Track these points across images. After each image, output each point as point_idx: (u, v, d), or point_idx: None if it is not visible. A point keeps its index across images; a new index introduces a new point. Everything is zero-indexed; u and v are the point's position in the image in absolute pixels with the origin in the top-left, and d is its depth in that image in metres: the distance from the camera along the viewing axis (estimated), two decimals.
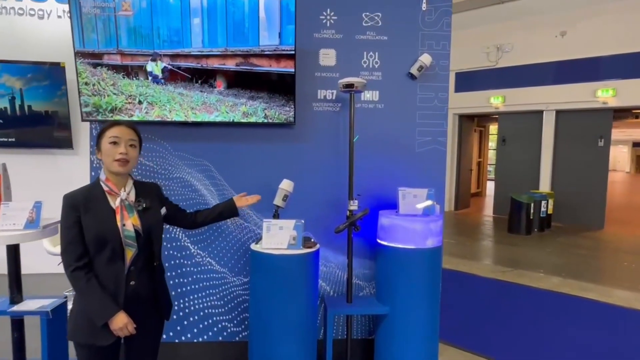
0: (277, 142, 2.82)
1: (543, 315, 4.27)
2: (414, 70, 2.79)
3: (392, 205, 2.81)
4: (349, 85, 2.45)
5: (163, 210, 1.97)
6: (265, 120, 2.56)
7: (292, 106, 2.63)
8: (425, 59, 2.77)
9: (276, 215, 2.42)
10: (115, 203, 1.79)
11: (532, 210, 8.31)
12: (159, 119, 2.60)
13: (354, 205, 2.51)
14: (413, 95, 2.87)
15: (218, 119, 2.53)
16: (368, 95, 2.84)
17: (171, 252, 2.78)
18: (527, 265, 6.16)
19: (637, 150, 31.23)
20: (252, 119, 2.40)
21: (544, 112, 9.67)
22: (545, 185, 9.71)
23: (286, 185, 2.44)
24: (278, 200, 2.41)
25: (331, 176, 2.85)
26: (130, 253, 1.77)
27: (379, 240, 2.60)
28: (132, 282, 1.79)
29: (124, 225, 1.77)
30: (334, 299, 2.74)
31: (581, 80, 9.05)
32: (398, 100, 2.86)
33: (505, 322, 4.05)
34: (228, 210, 2.21)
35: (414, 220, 2.41)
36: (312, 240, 2.39)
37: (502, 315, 4.22)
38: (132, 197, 1.86)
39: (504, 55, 10.06)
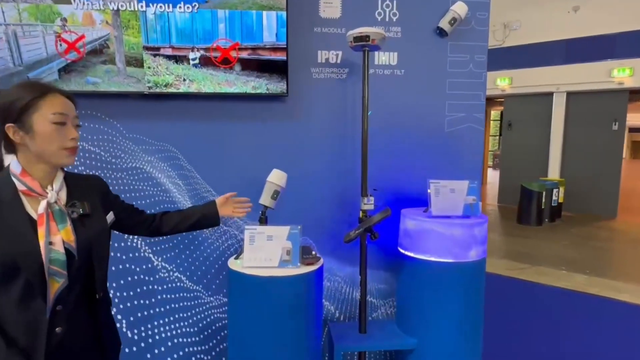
0: (266, 120, 2.14)
1: (574, 320, 3.69)
2: (444, 24, 2.12)
3: (416, 202, 2.16)
4: (362, 38, 1.77)
5: (110, 217, 1.33)
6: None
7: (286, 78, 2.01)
8: (460, 8, 2.10)
9: (263, 219, 1.76)
10: (37, 209, 1.14)
11: (543, 199, 7.73)
12: (175, 90, 1.96)
13: (368, 204, 1.86)
14: (442, 57, 2.20)
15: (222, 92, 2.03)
16: (384, 57, 2.17)
17: (127, 265, 2.11)
18: (545, 260, 5.59)
19: (633, 135, 30.89)
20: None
21: (554, 94, 9.05)
22: (554, 172, 9.14)
23: (276, 177, 1.80)
24: (266, 199, 1.76)
25: (336, 164, 2.19)
26: (56, 286, 1.13)
27: (401, 250, 1.95)
28: (59, 329, 1.15)
29: (50, 243, 1.12)
30: (342, 327, 2.09)
31: (595, 59, 8.43)
32: (423, 65, 2.19)
33: (531, 328, 3.45)
34: (206, 218, 1.61)
35: (452, 224, 1.76)
36: (314, 252, 1.73)
37: (526, 320, 3.62)
38: (64, 198, 1.21)
39: (511, 34, 9.38)
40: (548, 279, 4.87)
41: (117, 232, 1.48)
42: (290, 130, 2.17)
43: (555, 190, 8.03)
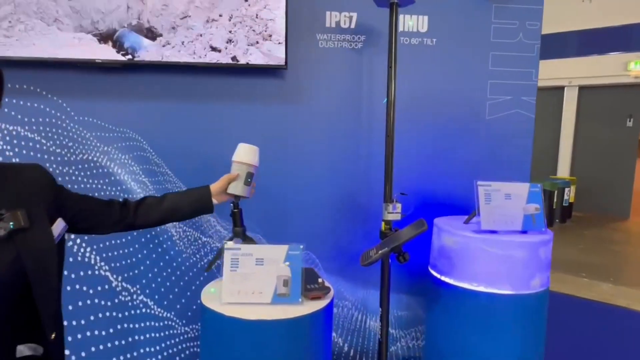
0: (257, 102, 1.66)
1: (603, 337, 3.24)
2: None
3: (448, 209, 1.70)
4: None
5: (59, 227, 0.89)
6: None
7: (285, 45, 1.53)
8: None
9: (237, 215, 1.25)
10: None
11: (554, 199, 7.30)
12: (52, 57, 1.44)
13: (394, 213, 1.39)
14: (484, 24, 1.73)
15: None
16: (410, 22, 1.69)
17: (78, 286, 1.63)
18: (563, 266, 5.15)
19: None
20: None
21: (566, 88, 8.59)
22: (564, 171, 8.71)
23: (245, 154, 1.24)
24: (237, 186, 1.22)
25: (346, 161, 1.72)
26: None
27: (433, 272, 1.48)
28: None
29: None
30: None
31: (610, 51, 7.96)
32: (460, 33, 1.72)
33: (555, 345, 3.00)
34: (198, 212, 1.21)
35: (510, 243, 1.30)
36: (321, 280, 1.25)
37: (552, 337, 3.17)
38: None
39: None
40: (570, 287, 4.42)
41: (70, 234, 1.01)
42: (289, 115, 1.69)
43: (567, 190, 7.60)
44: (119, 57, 1.50)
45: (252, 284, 1.15)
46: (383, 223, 1.42)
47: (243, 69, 1.60)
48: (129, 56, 1.50)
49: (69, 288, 1.62)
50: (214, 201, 1.18)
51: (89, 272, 1.64)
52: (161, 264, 1.69)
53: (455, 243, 1.37)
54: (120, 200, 1.09)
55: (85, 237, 1.62)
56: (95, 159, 1.62)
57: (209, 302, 1.15)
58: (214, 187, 1.18)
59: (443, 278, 1.42)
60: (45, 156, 1.58)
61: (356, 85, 1.70)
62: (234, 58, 1.53)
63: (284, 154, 1.69)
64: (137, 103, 1.61)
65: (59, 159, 1.60)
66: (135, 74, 1.60)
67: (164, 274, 1.69)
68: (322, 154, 1.72)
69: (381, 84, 1.70)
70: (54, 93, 1.57)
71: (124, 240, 1.66)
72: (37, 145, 1.58)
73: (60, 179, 1.60)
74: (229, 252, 1.16)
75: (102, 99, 1.60)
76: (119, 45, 1.49)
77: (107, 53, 1.49)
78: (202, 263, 1.71)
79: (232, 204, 1.25)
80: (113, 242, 1.65)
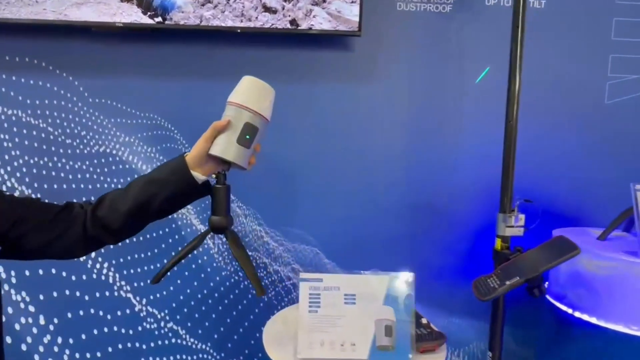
0: (320, 82, 1.31)
1: None
2: None
3: (557, 218, 1.33)
4: None
5: None
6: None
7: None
8: None
9: (218, 203, 0.83)
10: None
11: None
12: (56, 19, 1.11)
13: (515, 227, 1.02)
14: None
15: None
16: None
17: (93, 311, 1.31)
18: None
19: None
20: None
21: None
22: None
23: (247, 90, 0.81)
24: (225, 144, 0.78)
25: (426, 154, 1.36)
26: None
27: (560, 304, 1.12)
28: None
29: None
30: None
31: None
32: None
33: None
34: (176, 176, 0.78)
35: None
36: (425, 320, 0.90)
37: None
38: None
39: None
40: None
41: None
42: (358, 98, 1.33)
43: None
44: (146, 20, 1.16)
45: (340, 331, 0.80)
46: (498, 240, 1.06)
47: (303, 37, 1.25)
48: (158, 18, 1.16)
49: (81, 313, 1.30)
50: (197, 174, 0.76)
51: (107, 294, 1.31)
52: (195, 283, 1.35)
53: (601, 269, 1.01)
54: (83, 202, 0.80)
55: (102, 250, 1.29)
56: (114, 151, 1.28)
57: (277, 352, 0.80)
58: (193, 151, 0.77)
59: (581, 316, 1.05)
60: (53, 148, 1.25)
61: (442, 60, 1.33)
62: (292, 22, 1.18)
63: (348, 147, 1.34)
64: (167, 81, 1.27)
65: (69, 151, 1.27)
66: (166, 42, 1.25)
67: (199, 296, 1.36)
68: (396, 147, 1.36)
69: (474, 58, 1.34)
70: (62, 68, 1.24)
71: (149, 254, 1.32)
72: (43, 135, 1.25)
73: (70, 175, 1.27)
74: (305, 284, 0.81)
75: (123, 75, 1.26)
76: (145, 4, 1.15)
77: (130, 14, 1.15)
78: (246, 283, 1.37)
79: (215, 175, 0.81)
80: (136, 256, 1.32)
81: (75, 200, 0.80)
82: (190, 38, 1.26)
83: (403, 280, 0.81)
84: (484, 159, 1.36)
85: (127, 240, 1.26)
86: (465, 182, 1.38)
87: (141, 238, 1.32)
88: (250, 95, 0.79)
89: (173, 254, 1.32)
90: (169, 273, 0.87)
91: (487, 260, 1.35)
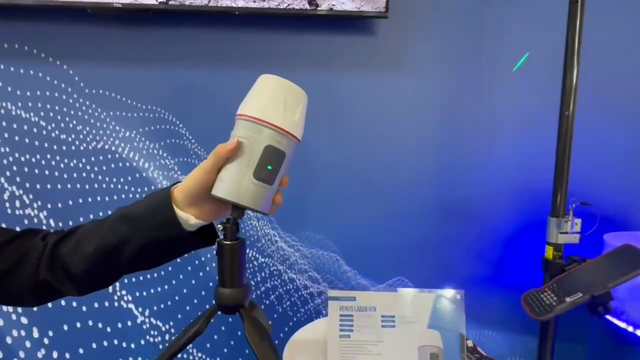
0: (339, 71, 1.18)
1: None
2: None
3: (614, 224, 1.20)
4: None
5: None
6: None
7: None
8: None
9: (230, 263, 0.60)
10: None
11: None
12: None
13: (571, 234, 0.89)
14: None
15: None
16: None
17: (92, 322, 1.19)
18: None
19: None
20: None
21: None
22: None
23: (267, 98, 0.57)
24: (234, 180, 0.55)
25: (464, 150, 1.23)
26: None
27: (618, 322, 0.99)
28: None
29: None
30: None
31: None
32: None
33: None
34: (154, 225, 0.57)
35: None
36: (471, 342, 0.77)
37: None
38: None
39: None
40: None
41: None
42: (382, 89, 1.20)
43: None
44: (148, 0, 1.03)
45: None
46: (549, 248, 0.92)
47: (323, 19, 1.12)
48: None
49: (78, 325, 1.18)
50: (188, 216, 0.56)
51: (106, 304, 1.19)
52: (203, 293, 1.23)
53: None
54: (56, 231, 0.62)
55: None
56: (113, 148, 1.16)
57: None
58: (186, 182, 0.57)
59: None
60: (46, 144, 1.13)
61: (476, 46, 1.20)
62: (311, 2, 1.05)
63: (372, 143, 1.21)
64: (172, 70, 1.15)
65: (64, 147, 1.15)
66: (170, 25, 1.13)
67: (207, 306, 1.23)
68: (425, 143, 1.23)
69: (510, 44, 1.20)
70: (55, 55, 1.12)
71: None
72: (34, 129, 1.13)
73: (65, 175, 1.15)
74: (335, 304, 0.69)
75: (123, 63, 1.14)
76: None
77: None
78: (260, 292, 1.24)
79: (221, 225, 0.59)
80: None
81: (44, 228, 0.65)
82: (197, 20, 1.13)
83: (451, 299, 0.68)
84: (520, 157, 1.23)
85: None
86: (499, 183, 1.25)
87: None
88: (272, 104, 0.55)
89: (179, 260, 1.20)
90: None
91: (524, 269, 1.22)
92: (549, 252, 0.92)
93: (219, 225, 0.60)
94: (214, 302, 0.63)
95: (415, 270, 1.26)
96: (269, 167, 0.54)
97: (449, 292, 0.68)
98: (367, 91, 1.20)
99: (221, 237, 0.59)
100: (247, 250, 1.23)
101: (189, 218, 0.56)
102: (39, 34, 1.10)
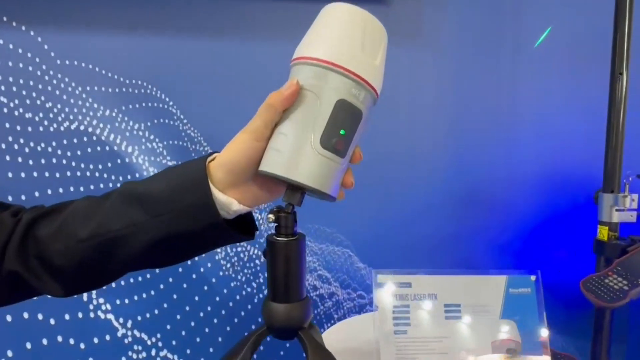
0: None
1: None
2: None
3: None
4: None
5: None
6: None
7: None
8: None
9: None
10: None
11: None
12: None
13: (626, 212, 0.79)
14: None
15: None
16: None
17: (61, 339, 1.00)
18: None
19: None
20: None
21: None
22: None
23: (339, 35, 0.42)
24: (302, 163, 0.40)
25: (486, 132, 1.13)
26: None
27: None
28: None
29: None
30: None
31: None
32: None
33: None
34: (180, 208, 0.41)
35: None
36: (544, 331, 0.64)
37: None
38: None
39: None
40: None
41: None
42: (398, 65, 1.09)
43: None
44: None
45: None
46: (603, 228, 0.82)
47: None
48: None
49: (45, 342, 0.98)
50: (229, 200, 0.42)
51: (79, 315, 1.00)
52: (196, 298, 1.06)
53: None
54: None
55: None
56: (90, 129, 0.99)
57: None
58: (225, 154, 0.43)
59: None
60: (7, 124, 0.95)
61: (496, 16, 1.11)
62: None
63: (385, 127, 1.09)
64: (160, 38, 1.00)
65: (29, 129, 0.97)
66: None
67: (201, 314, 1.06)
68: (443, 126, 1.12)
69: (534, 18, 1.12)
70: (21, 19, 0.95)
71: None
72: (0, 108, 0.95)
73: (31, 161, 0.96)
74: (385, 291, 0.55)
75: (100, 29, 0.98)
76: None
77: None
78: (262, 295, 1.08)
79: (273, 215, 0.44)
80: None
81: (21, 203, 0.49)
82: None
83: (525, 282, 0.56)
84: (546, 139, 1.14)
85: None
86: (525, 167, 1.15)
87: None
88: (346, 42, 0.41)
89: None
90: None
91: (550, 261, 1.12)
92: (603, 232, 0.81)
93: (270, 215, 0.43)
94: (262, 320, 0.47)
95: (435, 266, 1.13)
96: (342, 132, 0.40)
97: (520, 275, 0.56)
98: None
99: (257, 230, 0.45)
100: (247, 247, 1.07)
101: (231, 203, 0.41)
102: None
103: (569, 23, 1.06)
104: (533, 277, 0.55)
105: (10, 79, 0.95)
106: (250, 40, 1.01)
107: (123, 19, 0.98)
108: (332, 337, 0.68)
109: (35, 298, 0.95)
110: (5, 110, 0.95)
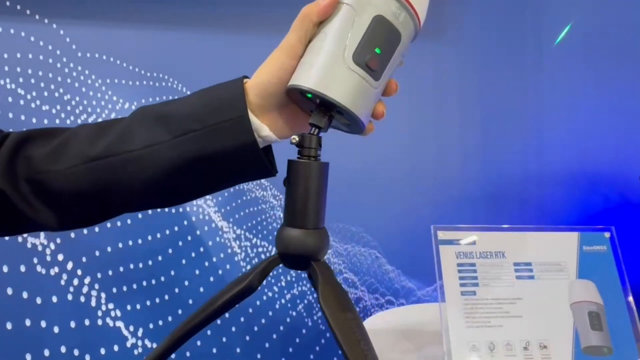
0: None
1: None
2: None
3: None
4: None
5: None
6: None
7: None
8: None
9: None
10: None
11: None
12: None
13: None
14: None
15: None
16: None
17: (65, 349, 0.90)
18: None
19: None
20: None
21: None
22: None
23: None
24: (333, 77, 0.37)
25: (513, 129, 1.11)
26: None
27: None
28: None
29: None
30: None
31: None
32: None
33: None
34: (213, 129, 0.37)
35: None
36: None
37: None
38: None
39: None
40: None
41: None
42: (424, 60, 1.08)
43: None
44: None
45: (516, 325, 0.47)
46: None
47: None
48: None
49: (47, 353, 0.89)
50: (263, 125, 0.39)
51: (87, 322, 0.92)
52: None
53: None
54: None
55: (84, 259, 0.92)
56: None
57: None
58: (257, 76, 0.40)
59: None
60: (23, 117, 0.92)
61: (519, 17, 1.12)
62: None
63: (412, 124, 1.06)
64: (181, 31, 0.99)
65: (45, 121, 0.94)
66: None
67: (218, 322, 0.98)
68: (470, 124, 1.10)
69: (556, 15, 1.13)
70: (43, 12, 0.94)
71: (150, 263, 0.96)
72: (10, 98, 0.92)
73: None
74: (449, 249, 0.50)
75: (123, 22, 0.97)
76: None
77: None
78: (285, 300, 1.01)
79: (296, 140, 0.38)
80: (132, 266, 0.95)
81: None
82: None
83: (599, 240, 0.50)
84: (573, 136, 1.11)
85: (118, 244, 0.93)
86: (554, 164, 1.11)
87: (139, 240, 0.96)
88: None
89: (184, 262, 0.97)
90: None
91: None
92: None
93: (293, 137, 0.39)
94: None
95: None
96: (377, 50, 0.38)
97: (594, 232, 0.50)
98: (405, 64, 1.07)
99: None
100: (269, 247, 1.01)
101: (262, 127, 0.39)
102: None
103: (595, 18, 1.06)
104: (607, 234, 0.50)
105: (29, 71, 0.93)
106: (269, 34, 1.00)
107: (143, 12, 0.98)
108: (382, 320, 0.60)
109: (38, 301, 0.88)
110: (21, 102, 0.92)
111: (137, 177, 0.38)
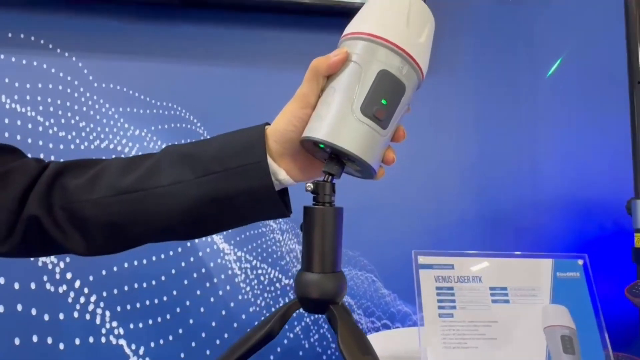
0: None
1: None
2: None
3: None
4: None
5: None
6: None
7: None
8: None
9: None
10: None
11: None
12: None
13: None
14: None
15: None
16: None
17: None
18: None
19: None
20: None
21: None
22: None
23: (386, 13, 0.44)
24: (343, 128, 0.40)
25: (508, 156, 1.14)
26: None
27: None
28: None
29: None
30: None
31: None
32: None
33: None
34: (232, 172, 0.41)
35: None
36: None
37: None
38: None
39: None
40: None
41: None
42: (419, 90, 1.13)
43: None
44: None
45: (491, 346, 0.49)
46: None
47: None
48: None
49: None
50: (279, 170, 0.43)
51: (91, 340, 0.96)
52: (213, 324, 1.01)
53: None
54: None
55: (91, 277, 0.96)
56: (119, 147, 1.02)
57: None
58: (277, 123, 0.44)
59: None
60: (41, 142, 0.98)
61: (511, 50, 1.17)
62: None
63: (410, 149, 1.10)
64: (189, 64, 1.06)
65: (61, 146, 1.00)
66: (190, 19, 1.06)
67: (217, 342, 1.00)
68: (465, 149, 1.13)
69: (548, 48, 1.18)
70: (63, 46, 1.02)
71: (153, 283, 1.00)
72: (30, 125, 0.98)
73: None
74: (428, 273, 0.53)
75: (137, 56, 1.04)
76: None
77: None
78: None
79: (311, 188, 0.43)
80: (136, 286, 0.99)
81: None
82: (219, 14, 1.07)
83: (573, 266, 0.53)
84: (566, 164, 1.14)
85: (124, 263, 0.96)
86: (549, 189, 1.14)
87: (144, 261, 1.00)
88: (390, 17, 0.43)
89: (186, 282, 1.00)
90: None
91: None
92: None
93: (308, 184, 0.43)
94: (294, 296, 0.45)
95: None
96: (383, 101, 0.41)
97: (568, 259, 0.53)
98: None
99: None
100: (268, 270, 1.04)
101: (279, 172, 0.42)
102: (45, 23, 1.01)
103: (586, 50, 1.11)
104: (580, 261, 0.53)
105: (48, 100, 1.00)
106: (278, 69, 1.06)
107: (154, 47, 1.05)
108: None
109: (46, 318, 0.92)
110: (40, 128, 0.99)
111: (161, 211, 0.41)
